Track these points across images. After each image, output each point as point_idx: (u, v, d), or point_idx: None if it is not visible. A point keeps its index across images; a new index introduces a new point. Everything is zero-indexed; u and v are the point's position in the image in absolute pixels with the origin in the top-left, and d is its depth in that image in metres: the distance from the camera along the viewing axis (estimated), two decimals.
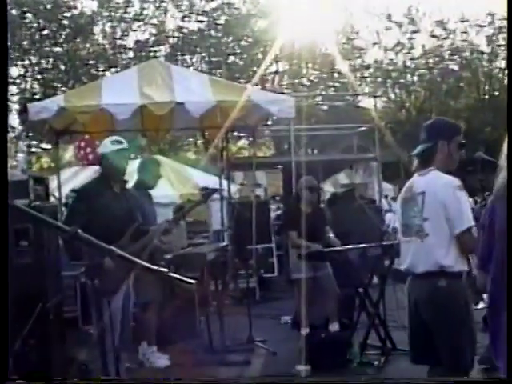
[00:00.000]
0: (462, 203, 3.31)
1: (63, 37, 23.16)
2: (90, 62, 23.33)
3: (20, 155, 21.85)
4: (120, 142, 4.59)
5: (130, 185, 5.81)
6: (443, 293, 3.32)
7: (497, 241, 2.74)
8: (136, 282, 4.64)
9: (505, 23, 23.49)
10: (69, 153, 14.34)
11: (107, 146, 4.61)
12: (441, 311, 3.36)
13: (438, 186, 3.40)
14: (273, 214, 11.73)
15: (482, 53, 25.89)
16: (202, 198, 5.66)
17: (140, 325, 5.52)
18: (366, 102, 20.78)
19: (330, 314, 6.43)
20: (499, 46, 24.98)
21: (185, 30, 24.32)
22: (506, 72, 23.52)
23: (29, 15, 22.59)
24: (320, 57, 24.89)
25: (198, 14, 24.26)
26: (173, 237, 5.96)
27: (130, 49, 24.07)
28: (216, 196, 8.64)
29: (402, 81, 26.35)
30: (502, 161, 2.79)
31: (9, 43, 18.94)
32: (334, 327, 6.35)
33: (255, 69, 21.40)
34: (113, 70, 22.52)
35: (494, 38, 25.39)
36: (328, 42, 23.69)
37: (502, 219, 2.62)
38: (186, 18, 24.52)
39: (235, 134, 13.95)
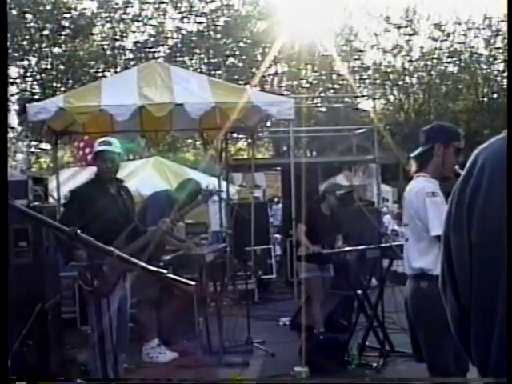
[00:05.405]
0: (429, 211, 3.37)
1: (63, 37, 23.17)
2: (90, 62, 23.34)
3: (19, 155, 21.88)
4: (108, 143, 4.61)
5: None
6: (424, 294, 3.38)
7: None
8: (132, 281, 4.64)
9: (502, 25, 23.57)
10: (68, 153, 14.36)
11: (95, 146, 4.70)
12: (422, 312, 3.41)
13: (413, 193, 3.52)
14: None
15: (480, 55, 25.94)
16: (200, 200, 5.67)
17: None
18: (365, 104, 20.76)
19: (313, 319, 6.37)
20: (497, 48, 25.04)
21: (184, 32, 24.34)
22: (506, 74, 23.56)
23: (28, 16, 22.59)
24: (319, 58, 24.91)
25: (197, 16, 24.28)
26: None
27: (129, 50, 24.08)
28: (215, 197, 8.65)
29: (400, 83, 26.39)
30: None
31: (9, 43, 18.94)
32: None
33: (254, 70, 21.43)
34: (112, 70, 22.54)
35: (491, 41, 25.45)
36: (327, 44, 23.74)
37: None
38: (185, 20, 24.54)
39: (234, 135, 13.98)
